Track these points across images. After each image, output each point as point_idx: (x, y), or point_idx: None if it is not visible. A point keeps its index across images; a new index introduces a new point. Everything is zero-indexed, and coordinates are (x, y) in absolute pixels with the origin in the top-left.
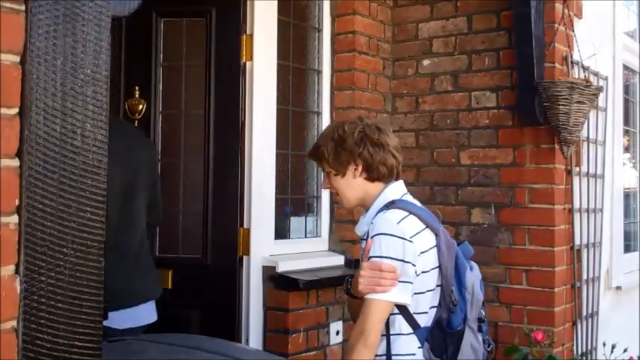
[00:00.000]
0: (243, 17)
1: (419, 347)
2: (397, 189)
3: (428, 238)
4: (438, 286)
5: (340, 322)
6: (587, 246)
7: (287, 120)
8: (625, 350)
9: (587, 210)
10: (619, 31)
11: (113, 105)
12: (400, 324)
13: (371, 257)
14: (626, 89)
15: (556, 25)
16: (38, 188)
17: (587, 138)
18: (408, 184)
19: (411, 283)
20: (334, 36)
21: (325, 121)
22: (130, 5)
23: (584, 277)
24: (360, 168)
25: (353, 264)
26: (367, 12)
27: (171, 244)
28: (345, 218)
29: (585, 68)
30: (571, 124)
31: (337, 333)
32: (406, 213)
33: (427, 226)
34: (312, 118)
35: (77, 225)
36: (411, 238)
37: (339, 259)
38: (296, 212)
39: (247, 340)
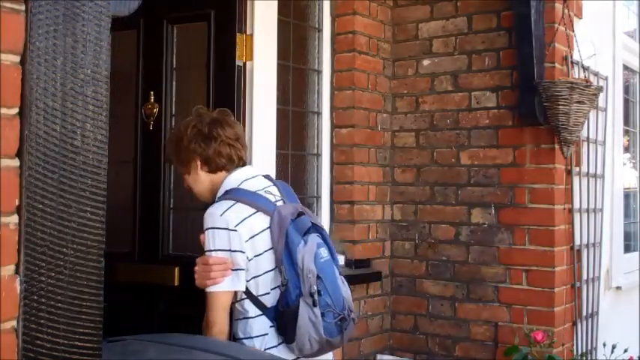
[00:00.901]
0: (243, 17)
1: (271, 326)
2: (237, 176)
3: (259, 222)
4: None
5: None
6: (587, 246)
7: (287, 120)
8: (625, 350)
9: (587, 210)
10: (619, 31)
11: (131, 110)
12: (248, 307)
13: (205, 252)
14: (626, 89)
15: (556, 25)
16: (38, 188)
17: (587, 138)
18: (408, 184)
19: (243, 269)
20: (334, 36)
21: (325, 121)
22: (130, 5)
23: (584, 277)
24: (199, 163)
25: (353, 264)
26: (367, 12)
27: (178, 242)
28: (345, 218)
29: (585, 68)
30: (571, 124)
31: None
32: (232, 202)
33: (259, 210)
34: (312, 118)
35: (77, 225)
36: (235, 227)
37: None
38: None
39: None
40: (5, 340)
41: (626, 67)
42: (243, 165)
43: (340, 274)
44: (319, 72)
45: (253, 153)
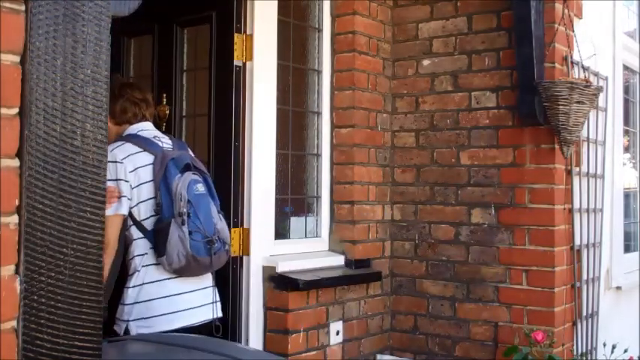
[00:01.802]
0: (243, 18)
1: (150, 248)
2: (136, 127)
3: (143, 158)
4: None
5: (340, 322)
6: (587, 246)
7: (287, 120)
8: (625, 350)
9: (587, 210)
10: (619, 31)
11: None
12: (133, 232)
13: None
14: (626, 89)
15: (556, 25)
16: (38, 188)
17: (587, 138)
18: (408, 184)
19: (125, 197)
20: (334, 36)
21: (325, 121)
22: (130, 5)
23: (584, 277)
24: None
25: (353, 264)
26: (367, 12)
27: None
28: (345, 218)
29: (585, 68)
30: (571, 124)
31: (337, 333)
32: (122, 142)
33: (145, 150)
34: (312, 118)
35: (77, 225)
36: (122, 160)
37: (339, 259)
38: (296, 212)
39: (247, 340)
40: (5, 340)
41: (626, 67)
42: (145, 121)
43: (219, 212)
44: (319, 72)
45: (253, 153)
